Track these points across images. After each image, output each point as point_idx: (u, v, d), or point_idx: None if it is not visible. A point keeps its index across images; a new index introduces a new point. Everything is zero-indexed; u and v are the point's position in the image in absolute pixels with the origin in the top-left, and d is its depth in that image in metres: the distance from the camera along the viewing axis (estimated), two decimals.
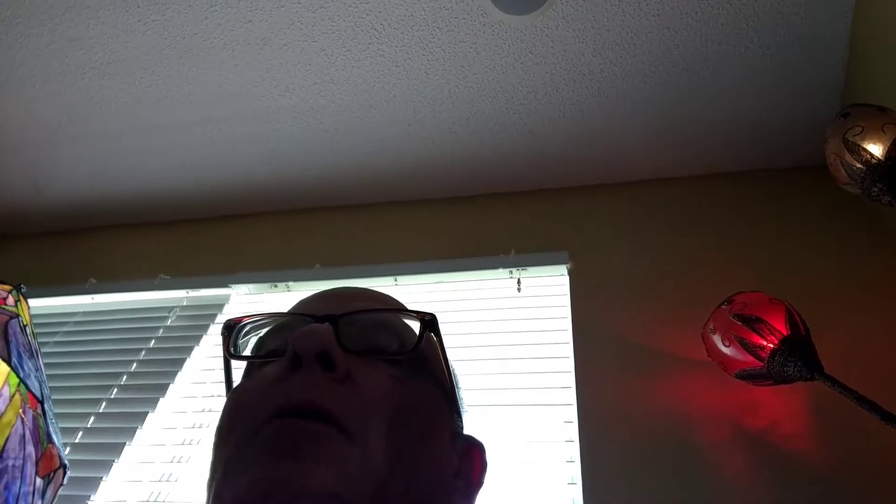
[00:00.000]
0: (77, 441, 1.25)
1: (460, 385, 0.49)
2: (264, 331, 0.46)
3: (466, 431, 0.48)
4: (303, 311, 0.45)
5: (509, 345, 1.20)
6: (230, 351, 0.44)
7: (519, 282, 1.33)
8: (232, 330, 0.45)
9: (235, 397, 0.41)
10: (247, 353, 0.45)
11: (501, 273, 1.34)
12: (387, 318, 0.45)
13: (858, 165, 0.86)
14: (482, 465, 0.47)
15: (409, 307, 0.50)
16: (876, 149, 0.85)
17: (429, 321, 0.43)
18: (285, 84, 1.38)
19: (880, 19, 1.10)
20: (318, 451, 0.34)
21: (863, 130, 0.86)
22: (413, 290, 1.40)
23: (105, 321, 1.57)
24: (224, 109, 1.46)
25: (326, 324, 0.40)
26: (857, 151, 0.86)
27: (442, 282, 1.39)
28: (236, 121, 1.48)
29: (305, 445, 0.34)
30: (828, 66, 1.24)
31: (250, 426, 0.36)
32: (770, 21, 1.18)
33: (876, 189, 0.85)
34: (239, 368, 0.46)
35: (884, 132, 0.85)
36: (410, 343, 0.43)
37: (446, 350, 0.45)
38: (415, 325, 0.44)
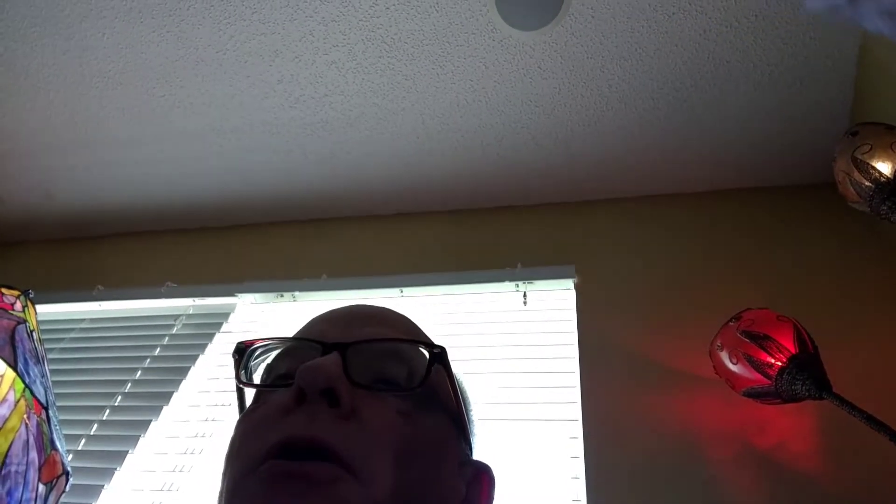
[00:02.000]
0: (80, 448, 1.25)
1: (472, 410, 0.49)
2: (273, 354, 0.46)
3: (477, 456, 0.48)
4: (312, 336, 0.45)
5: (514, 358, 1.20)
6: (241, 376, 0.45)
7: (525, 295, 1.32)
8: (243, 353, 0.45)
9: (243, 425, 0.41)
10: (258, 374, 0.46)
11: (508, 286, 1.34)
12: (397, 347, 0.44)
13: (867, 183, 0.86)
14: (490, 492, 0.46)
15: (420, 327, 0.51)
16: (885, 167, 0.85)
17: (437, 354, 0.43)
18: (296, 96, 1.40)
19: (887, 41, 1.10)
20: (322, 489, 0.34)
21: (871, 149, 0.86)
22: (419, 303, 1.39)
23: (111, 328, 1.57)
24: (235, 120, 1.47)
25: (334, 354, 0.40)
26: (866, 170, 0.86)
27: (448, 294, 1.39)
28: (246, 131, 1.49)
29: (308, 486, 0.34)
30: (836, 84, 1.24)
31: (253, 460, 0.36)
32: (778, 40, 1.19)
33: (885, 207, 0.85)
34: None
35: (892, 150, 0.85)
36: (420, 372, 0.43)
37: (456, 379, 0.45)
38: (425, 353, 0.44)
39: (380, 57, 1.30)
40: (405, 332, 0.48)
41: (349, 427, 0.37)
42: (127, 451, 1.21)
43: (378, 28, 1.25)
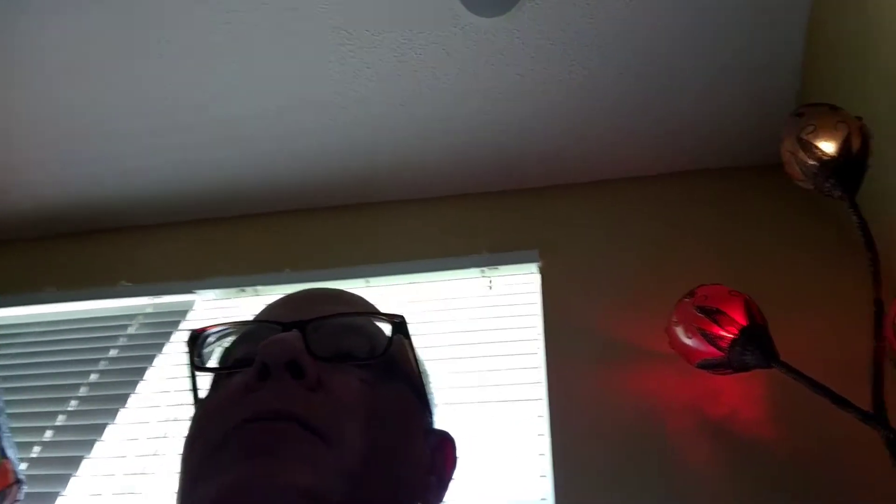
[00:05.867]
0: (34, 455, 1.21)
1: (431, 381, 0.49)
2: (230, 340, 0.45)
3: (439, 426, 0.49)
4: (269, 318, 0.44)
5: (481, 343, 1.21)
6: (196, 363, 0.43)
7: (490, 280, 1.34)
8: (196, 340, 0.44)
9: (204, 408, 0.40)
10: (213, 363, 0.44)
11: (473, 272, 1.35)
12: (356, 321, 0.44)
13: (811, 162, 0.90)
14: (454, 458, 0.47)
15: (380, 308, 0.50)
16: (828, 146, 0.89)
17: (398, 323, 0.43)
18: (254, 87, 1.37)
19: (833, 26, 1.16)
20: (293, 449, 0.34)
21: (815, 129, 0.90)
22: (385, 292, 1.39)
23: (64, 331, 1.52)
24: (191, 114, 1.43)
25: (294, 331, 0.39)
26: (810, 149, 0.90)
27: (414, 282, 1.39)
28: (204, 125, 1.46)
29: (279, 444, 0.34)
30: (784, 70, 1.29)
31: (219, 435, 0.35)
32: (730, 28, 1.23)
33: (828, 185, 0.89)
34: (205, 379, 0.45)
35: (836, 130, 0.89)
36: (380, 345, 0.43)
37: (416, 349, 0.46)
38: (384, 327, 0.44)
39: (339, 45, 1.29)
40: (362, 309, 0.49)
41: (316, 397, 0.37)
42: (83, 457, 1.18)
43: (337, 15, 1.24)
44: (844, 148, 0.88)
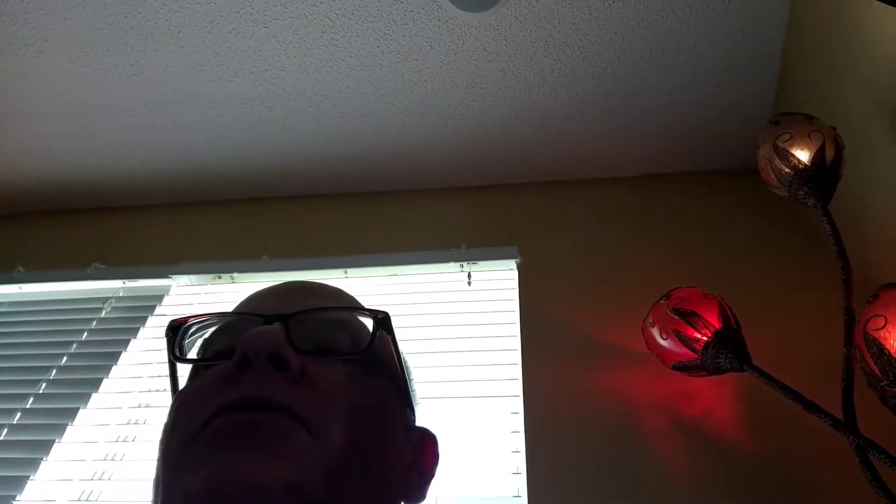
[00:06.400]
0: (2, 439, 1.18)
1: (413, 378, 0.50)
2: (210, 331, 0.44)
3: (419, 423, 0.49)
4: (251, 310, 0.44)
5: (459, 337, 1.21)
6: (175, 353, 0.43)
7: (469, 275, 1.34)
8: (177, 331, 0.43)
9: (182, 396, 0.40)
10: (192, 354, 0.44)
11: (452, 267, 1.35)
12: (339, 315, 0.44)
13: (787, 170, 0.91)
14: (435, 456, 0.48)
15: (362, 303, 0.50)
16: (803, 154, 0.91)
17: (382, 319, 0.43)
18: (234, 69, 1.35)
19: (810, 35, 1.18)
20: (274, 440, 0.34)
21: (791, 137, 0.92)
22: (363, 283, 1.39)
23: (34, 312, 1.48)
24: (167, 93, 1.40)
25: (277, 324, 0.39)
26: (786, 157, 0.91)
27: (393, 275, 1.39)
28: (180, 105, 1.43)
29: (260, 435, 0.34)
30: (762, 76, 1.31)
31: (198, 422, 0.35)
32: (709, 32, 1.24)
33: (802, 192, 0.91)
34: (184, 370, 0.45)
35: (810, 139, 0.90)
36: (363, 340, 0.43)
37: (399, 346, 0.46)
38: (367, 322, 0.44)
39: (323, 32, 1.27)
40: (345, 304, 0.48)
41: (300, 389, 0.37)
42: (54, 441, 1.16)
43: (321, 3, 1.22)
44: (819, 157, 0.89)
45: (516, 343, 1.19)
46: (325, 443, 0.35)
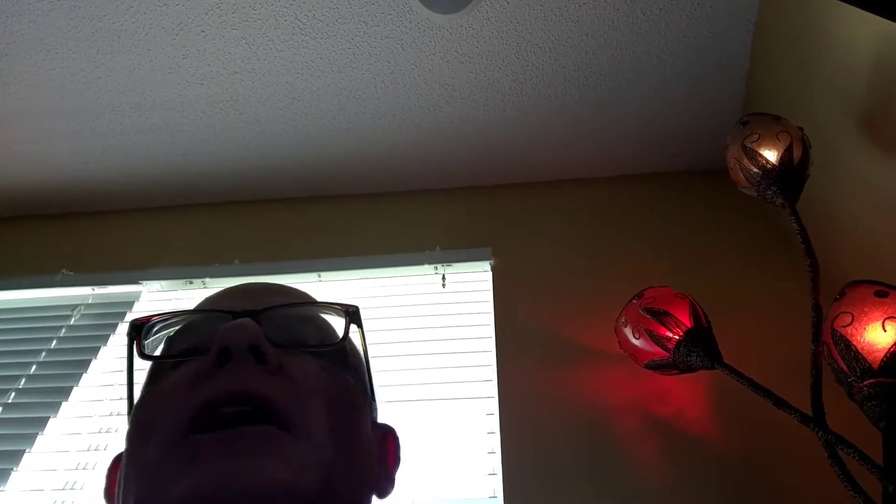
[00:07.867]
0: None
1: (373, 372, 0.50)
2: (174, 330, 0.43)
3: (389, 422, 0.50)
4: (219, 308, 0.43)
5: (434, 340, 1.21)
6: (140, 352, 0.42)
7: (444, 277, 1.34)
8: (140, 329, 0.42)
9: (151, 397, 0.38)
10: (157, 353, 0.43)
11: (427, 269, 1.35)
12: (307, 311, 0.45)
13: (755, 170, 0.92)
14: (396, 453, 0.48)
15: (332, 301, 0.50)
16: (771, 155, 0.92)
17: (353, 313, 0.44)
18: (203, 72, 1.33)
19: (779, 37, 1.19)
20: (264, 448, 0.33)
21: (759, 138, 0.93)
22: (338, 287, 1.38)
23: (2, 320, 1.45)
24: (135, 96, 1.38)
25: (249, 319, 0.39)
26: (754, 157, 0.92)
27: (367, 278, 1.38)
28: (148, 108, 1.41)
29: (249, 444, 0.33)
30: (732, 77, 1.33)
31: (179, 422, 0.34)
32: (679, 34, 1.25)
33: (770, 192, 0.92)
34: (142, 372, 0.43)
35: (778, 139, 0.92)
36: (330, 336, 0.43)
37: (366, 341, 0.46)
38: (336, 319, 0.45)
39: (293, 34, 1.26)
40: (313, 300, 0.49)
41: (279, 381, 0.37)
42: (24, 451, 1.13)
43: (290, 4, 1.21)
44: (786, 157, 0.91)
45: (491, 344, 1.19)
46: (310, 440, 0.35)
